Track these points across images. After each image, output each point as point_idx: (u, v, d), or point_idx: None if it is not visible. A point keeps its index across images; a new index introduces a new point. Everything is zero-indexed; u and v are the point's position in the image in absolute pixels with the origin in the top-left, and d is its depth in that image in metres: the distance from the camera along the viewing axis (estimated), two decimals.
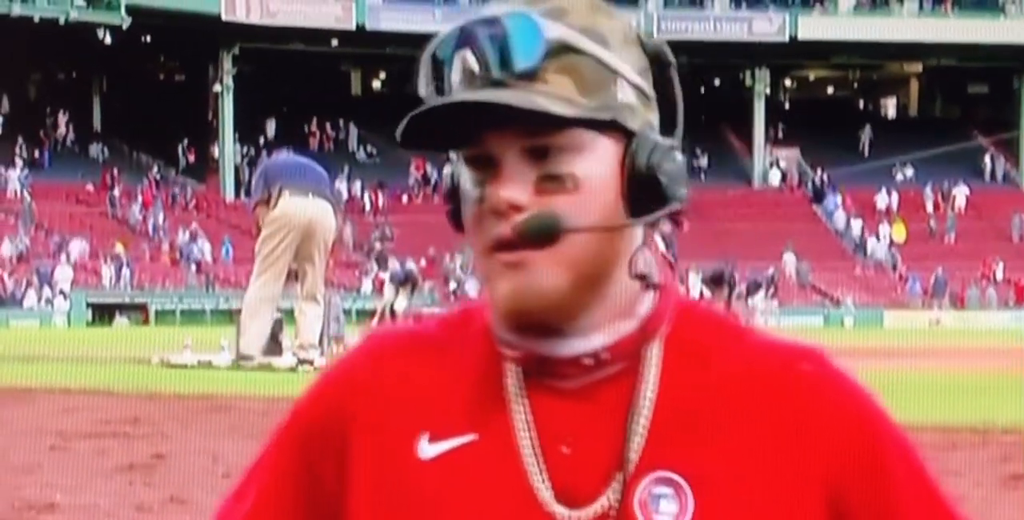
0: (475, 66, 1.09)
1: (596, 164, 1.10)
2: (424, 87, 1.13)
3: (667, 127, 1.16)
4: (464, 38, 1.10)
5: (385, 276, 24.33)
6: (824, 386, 1.14)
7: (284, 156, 13.56)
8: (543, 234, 1.08)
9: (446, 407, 1.15)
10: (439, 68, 1.12)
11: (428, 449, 1.14)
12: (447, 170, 1.17)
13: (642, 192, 1.11)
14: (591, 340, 1.12)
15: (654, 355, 1.14)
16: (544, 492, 1.11)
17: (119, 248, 36.57)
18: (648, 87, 1.15)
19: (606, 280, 1.12)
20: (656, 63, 1.16)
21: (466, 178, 1.13)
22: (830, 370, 1.15)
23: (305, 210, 11.89)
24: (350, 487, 1.16)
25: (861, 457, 1.13)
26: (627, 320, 1.13)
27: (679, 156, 1.14)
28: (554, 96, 1.08)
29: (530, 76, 1.09)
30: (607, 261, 1.11)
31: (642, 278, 1.14)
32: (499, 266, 1.10)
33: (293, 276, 12.53)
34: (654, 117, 1.16)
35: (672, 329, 1.14)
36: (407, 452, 1.14)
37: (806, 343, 1.18)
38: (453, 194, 1.15)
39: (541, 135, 1.09)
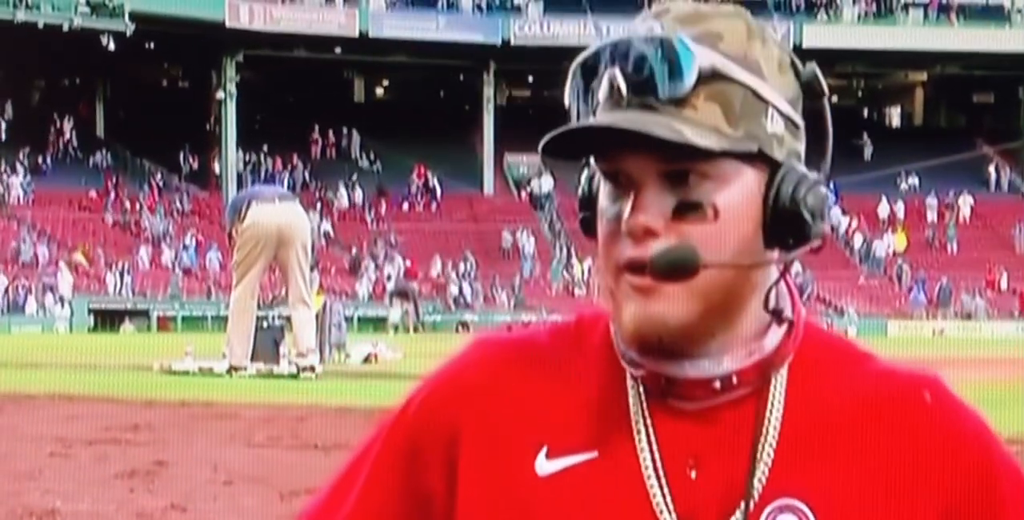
0: (623, 87, 1.08)
1: (737, 194, 1.09)
2: (570, 97, 1.12)
3: (813, 159, 1.14)
4: (616, 55, 1.08)
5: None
6: (945, 417, 1.14)
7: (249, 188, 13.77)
8: (680, 269, 1.07)
9: (565, 422, 1.13)
10: (588, 80, 1.11)
11: (546, 465, 1.12)
12: (584, 175, 1.15)
13: (784, 226, 1.09)
14: (722, 364, 1.11)
15: (780, 381, 1.13)
16: (667, 515, 1.09)
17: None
18: (797, 116, 1.13)
19: (737, 312, 1.10)
20: (808, 92, 1.14)
21: (603, 190, 1.11)
22: (950, 399, 1.16)
23: (274, 215, 11.96)
24: (460, 499, 1.14)
25: (977, 490, 1.13)
26: (757, 346, 1.12)
27: (824, 190, 1.11)
28: (701, 124, 1.07)
29: (678, 102, 1.07)
30: (740, 294, 1.10)
31: (776, 314, 1.13)
32: (627, 287, 1.08)
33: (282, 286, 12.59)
34: (800, 147, 1.14)
35: (796, 355, 1.14)
36: (524, 467, 1.12)
37: (924, 370, 1.17)
38: (588, 202, 1.14)
39: (682, 161, 1.07)
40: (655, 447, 1.11)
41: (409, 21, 42.21)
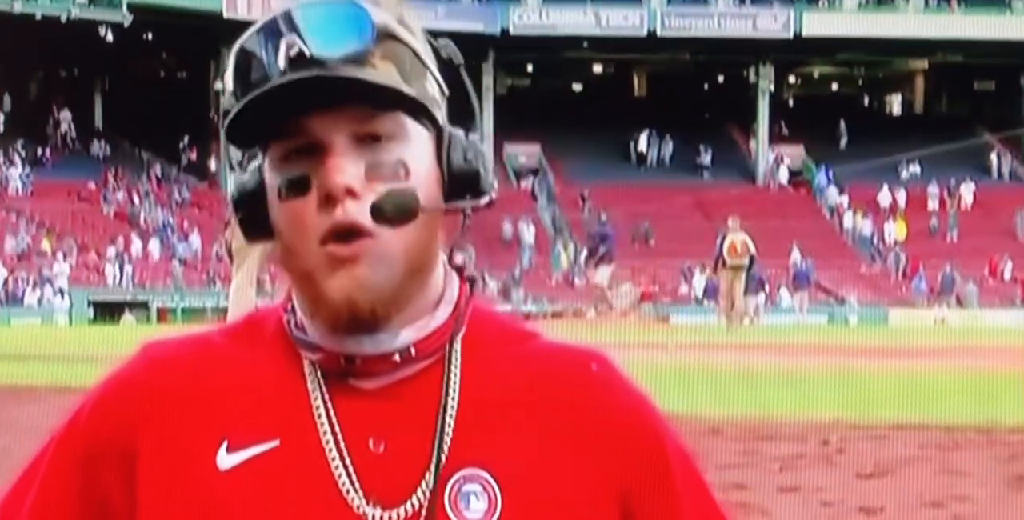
0: (305, 49, 1.07)
1: (421, 153, 1.11)
2: (233, 81, 1.12)
3: (467, 124, 1.17)
4: (288, 24, 1.08)
5: None
6: (614, 388, 1.17)
7: None
8: (404, 209, 1.08)
9: (242, 415, 1.12)
10: (253, 58, 1.10)
11: (227, 459, 1.11)
12: (238, 177, 1.15)
13: (462, 183, 1.12)
14: (399, 337, 1.11)
15: (455, 355, 1.14)
16: (353, 494, 1.10)
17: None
18: (443, 84, 1.16)
19: (428, 274, 1.12)
20: (447, 63, 1.16)
21: (276, 175, 1.10)
22: (617, 373, 1.18)
23: None
24: (141, 503, 1.12)
25: (649, 459, 1.15)
26: (431, 318, 1.13)
27: (485, 151, 1.16)
28: (383, 79, 1.08)
29: (359, 60, 1.08)
30: (432, 254, 1.12)
31: (460, 270, 1.16)
32: (329, 262, 1.07)
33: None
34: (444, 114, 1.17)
35: (468, 328, 1.15)
36: (205, 463, 1.11)
37: (590, 346, 1.20)
38: (251, 198, 1.12)
39: (371, 121, 1.08)
40: (337, 428, 1.11)
41: (407, 10, 42.12)
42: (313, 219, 1.08)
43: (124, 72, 45.24)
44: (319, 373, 1.13)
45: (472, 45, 43.28)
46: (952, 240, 42.50)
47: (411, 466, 1.10)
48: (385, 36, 1.10)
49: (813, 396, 8.32)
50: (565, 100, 47.61)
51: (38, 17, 38.11)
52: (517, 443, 1.12)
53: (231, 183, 1.16)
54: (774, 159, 45.96)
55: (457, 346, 1.14)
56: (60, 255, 36.25)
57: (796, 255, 38.62)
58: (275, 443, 1.11)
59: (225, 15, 40.25)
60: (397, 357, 1.11)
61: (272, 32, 1.09)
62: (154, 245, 38.62)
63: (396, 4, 1.13)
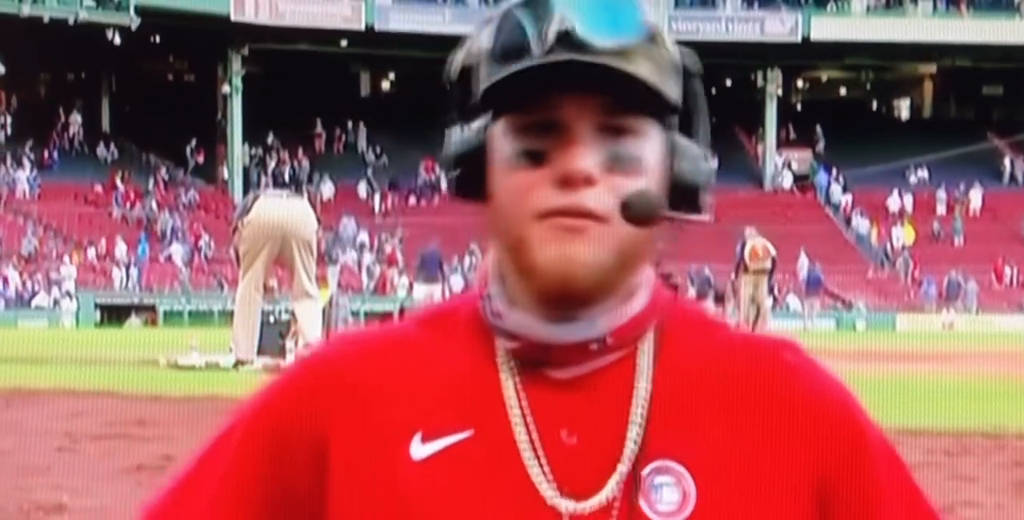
0: (577, 30, 1.06)
1: (658, 154, 1.11)
2: (493, 41, 1.10)
3: (689, 135, 1.16)
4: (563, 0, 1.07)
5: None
6: (808, 375, 1.15)
7: None
8: (652, 212, 1.08)
9: (437, 405, 1.12)
10: (517, 23, 1.09)
11: (421, 449, 1.11)
12: (465, 133, 1.14)
13: (683, 195, 1.12)
14: (597, 324, 1.11)
15: (648, 346, 1.14)
16: (545, 486, 1.09)
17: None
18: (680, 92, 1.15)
19: (634, 269, 1.12)
20: (686, 71, 1.15)
21: (508, 144, 1.10)
22: (810, 362, 1.17)
23: (279, 209, 12.04)
24: (332, 493, 1.12)
25: (846, 445, 1.14)
26: (627, 309, 1.13)
27: (712, 166, 1.15)
28: (653, 79, 1.08)
29: (624, 53, 1.07)
30: (643, 251, 1.12)
31: (666, 277, 1.16)
32: (550, 231, 1.07)
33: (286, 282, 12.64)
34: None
35: (662, 321, 1.15)
36: (399, 454, 1.11)
37: (781, 335, 1.20)
38: (473, 157, 1.12)
39: (619, 113, 1.08)
40: (529, 419, 1.10)
41: (415, 14, 42.16)
42: (542, 194, 1.07)
43: (132, 75, 45.32)
44: (512, 362, 1.12)
45: None
46: (960, 245, 42.45)
47: (603, 458, 1.09)
48: (652, 36, 1.10)
49: None
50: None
51: (46, 20, 38.19)
52: (710, 434, 1.11)
53: (451, 137, 1.16)
54: (781, 163, 45.95)
55: (650, 337, 1.14)
56: (67, 258, 36.31)
57: (804, 260, 38.57)
58: (468, 433, 1.10)
59: (233, 18, 40.32)
60: (594, 346, 1.11)
61: (545, 4, 1.08)
62: (161, 248, 38.68)
63: (653, 8, 1.13)
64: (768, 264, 21.51)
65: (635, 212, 1.07)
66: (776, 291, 33.76)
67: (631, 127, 1.08)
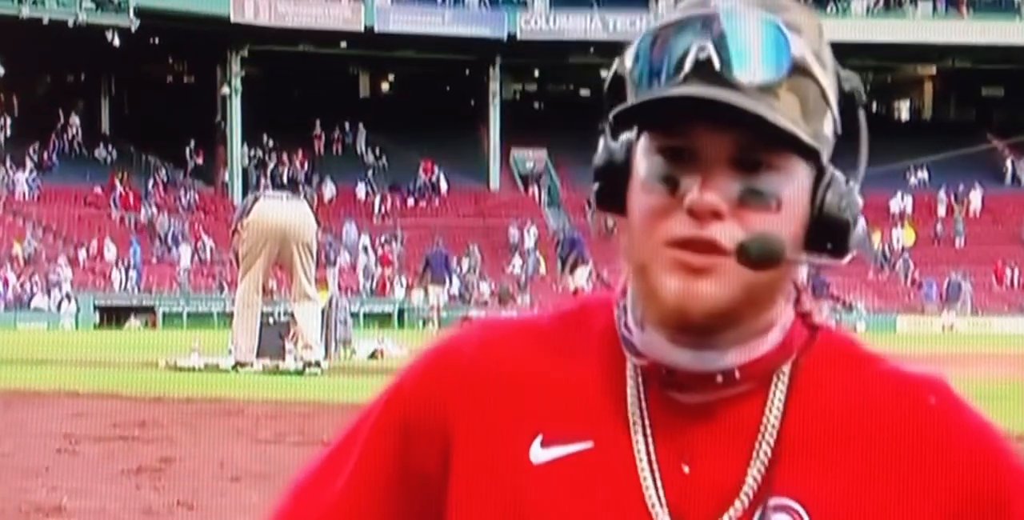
0: (716, 63, 1.04)
1: (797, 191, 1.07)
2: (638, 61, 1.08)
3: (843, 166, 1.12)
4: (711, 27, 1.05)
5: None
6: (950, 421, 1.12)
7: None
8: (770, 256, 1.05)
9: (562, 410, 1.11)
10: (670, 44, 1.06)
11: (541, 453, 1.10)
12: (612, 145, 1.12)
13: (828, 232, 1.08)
14: (726, 357, 1.09)
15: (783, 380, 1.11)
16: (659, 509, 1.08)
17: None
18: (839, 122, 1.11)
19: (766, 306, 1.09)
20: (848, 100, 1.12)
21: (648, 163, 1.08)
22: (956, 404, 1.13)
23: (278, 211, 12.04)
24: (453, 481, 1.12)
25: (985, 495, 1.10)
26: (761, 342, 1.10)
27: (860, 200, 1.11)
28: (785, 115, 1.05)
29: (764, 89, 1.05)
30: (777, 289, 1.09)
31: (805, 316, 1.13)
32: (672, 262, 1.05)
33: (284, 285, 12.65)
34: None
35: (801, 353, 1.12)
36: (519, 454, 1.11)
37: (931, 373, 1.16)
38: (615, 173, 1.10)
39: (758, 148, 1.05)
40: (651, 440, 1.09)
41: (415, 15, 42.16)
42: (672, 221, 1.05)
43: (131, 76, 45.32)
44: (641, 379, 1.11)
45: (479, 50, 43.35)
46: (960, 246, 42.44)
47: (720, 489, 1.08)
48: (799, 70, 1.06)
49: None
50: (572, 105, 47.60)
51: (45, 21, 38.18)
52: (835, 475, 1.08)
53: (601, 149, 1.12)
54: None
55: (786, 372, 1.11)
56: (66, 259, 36.30)
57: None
58: (589, 444, 1.10)
59: (232, 19, 40.32)
60: (720, 378, 1.09)
61: (692, 29, 1.05)
62: (160, 250, 38.67)
63: (818, 35, 1.09)
64: None
65: (751, 257, 1.04)
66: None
67: (771, 162, 1.06)
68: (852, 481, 1.09)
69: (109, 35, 38.50)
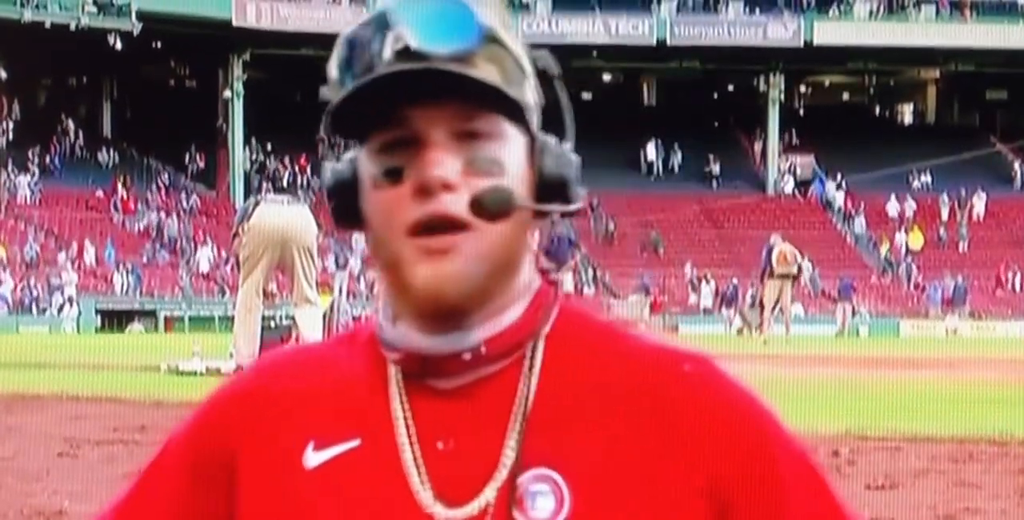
0: (412, 43, 1.08)
1: (517, 155, 1.13)
2: (338, 71, 1.13)
3: (558, 135, 1.17)
4: (395, 18, 1.10)
5: None
6: (707, 387, 1.14)
7: None
8: (503, 204, 1.09)
9: (332, 415, 1.15)
10: (358, 49, 1.11)
11: (313, 457, 1.14)
12: (336, 166, 1.17)
13: (552, 190, 1.14)
14: (472, 335, 1.12)
15: (536, 354, 1.14)
16: (423, 493, 1.11)
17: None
18: (539, 93, 1.17)
19: (514, 271, 1.13)
20: (542, 75, 1.17)
21: (370, 166, 1.12)
22: (714, 372, 1.15)
23: (279, 215, 12.02)
24: (239, 504, 1.16)
25: (746, 458, 1.12)
26: (504, 318, 1.14)
27: (577, 159, 1.17)
28: (489, 79, 1.10)
29: (463, 59, 1.09)
30: (519, 251, 1.13)
31: (545, 272, 1.17)
32: (418, 252, 1.09)
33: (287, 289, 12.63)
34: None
35: (554, 329, 1.15)
36: (293, 462, 1.15)
37: (692, 349, 1.17)
38: (345, 187, 1.14)
39: (471, 118, 1.10)
40: (411, 428, 1.13)
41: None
42: (405, 209, 1.09)
43: (133, 80, 45.37)
44: (400, 374, 1.15)
45: None
46: (964, 250, 42.41)
47: (480, 466, 1.11)
48: (490, 39, 1.11)
49: (823, 407, 8.27)
50: (574, 108, 47.60)
51: (47, 25, 38.24)
52: (590, 443, 1.11)
53: (326, 172, 1.18)
54: (784, 168, 45.93)
55: (538, 347, 1.14)
56: (68, 263, 36.31)
57: (807, 265, 38.55)
58: (356, 442, 1.14)
59: (234, 23, 40.36)
60: (467, 356, 1.12)
61: (379, 25, 1.11)
62: (162, 254, 38.68)
63: (501, 9, 1.14)
64: (794, 269, 22.01)
65: (485, 206, 1.08)
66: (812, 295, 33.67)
67: (486, 131, 1.10)
68: (609, 448, 1.11)
69: (111, 39, 38.55)
